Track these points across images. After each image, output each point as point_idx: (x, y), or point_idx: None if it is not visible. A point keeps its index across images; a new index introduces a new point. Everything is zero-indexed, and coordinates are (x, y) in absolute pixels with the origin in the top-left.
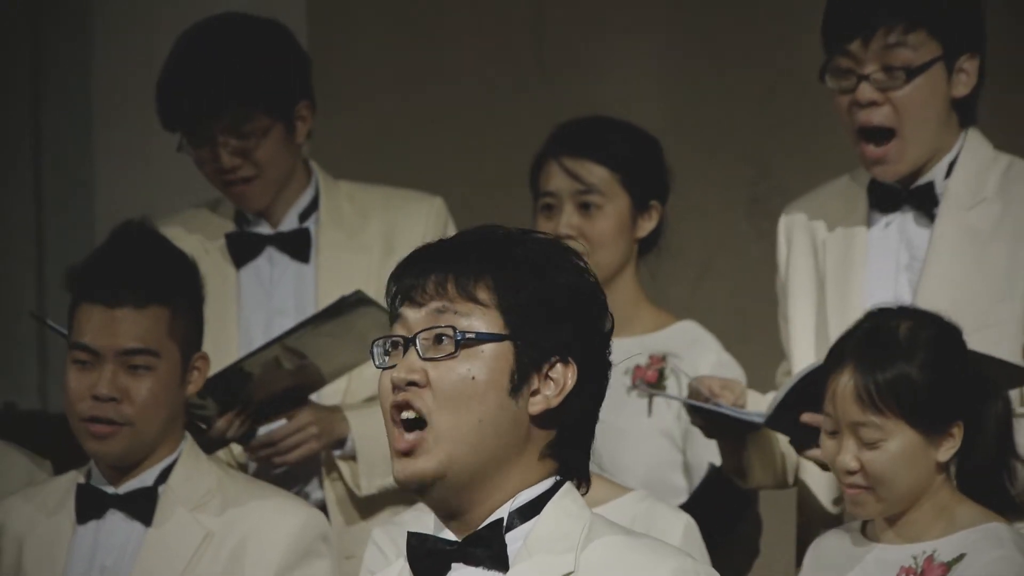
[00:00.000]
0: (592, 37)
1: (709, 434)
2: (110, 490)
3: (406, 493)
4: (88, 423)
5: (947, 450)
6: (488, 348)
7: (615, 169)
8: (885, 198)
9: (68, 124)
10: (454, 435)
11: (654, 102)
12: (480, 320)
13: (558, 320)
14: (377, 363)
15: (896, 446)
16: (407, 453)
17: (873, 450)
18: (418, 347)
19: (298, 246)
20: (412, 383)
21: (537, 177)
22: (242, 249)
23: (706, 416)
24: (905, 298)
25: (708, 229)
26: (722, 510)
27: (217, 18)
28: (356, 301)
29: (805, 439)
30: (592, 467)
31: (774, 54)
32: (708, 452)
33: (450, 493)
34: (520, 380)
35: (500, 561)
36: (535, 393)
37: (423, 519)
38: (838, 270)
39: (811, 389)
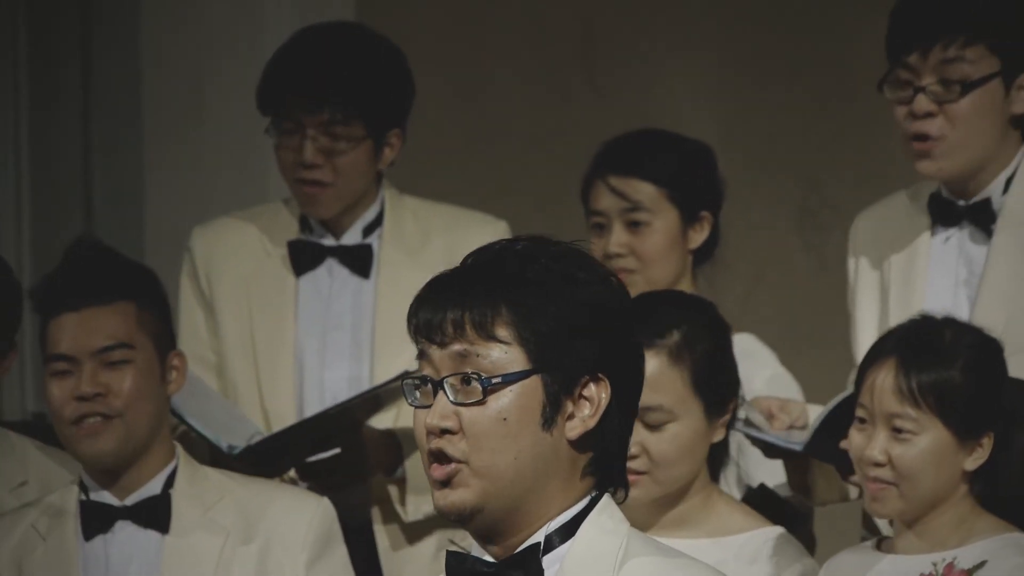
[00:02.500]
0: (641, 53)
1: (770, 455)
2: (115, 502)
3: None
4: (77, 425)
5: (975, 460)
6: (515, 386)
7: (661, 184)
8: (944, 213)
9: (118, 138)
10: (491, 473)
11: (704, 117)
12: (504, 359)
13: (582, 339)
14: (409, 400)
15: (927, 442)
16: (444, 483)
17: (903, 443)
18: (447, 391)
19: (360, 261)
20: (446, 430)
21: (587, 196)
22: (304, 258)
23: (762, 442)
24: (963, 313)
25: (758, 242)
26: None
27: (344, 22)
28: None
29: (849, 465)
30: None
31: (823, 68)
32: (762, 468)
33: (490, 523)
34: (552, 411)
35: None
36: (571, 417)
37: None
38: (900, 283)
39: (850, 415)
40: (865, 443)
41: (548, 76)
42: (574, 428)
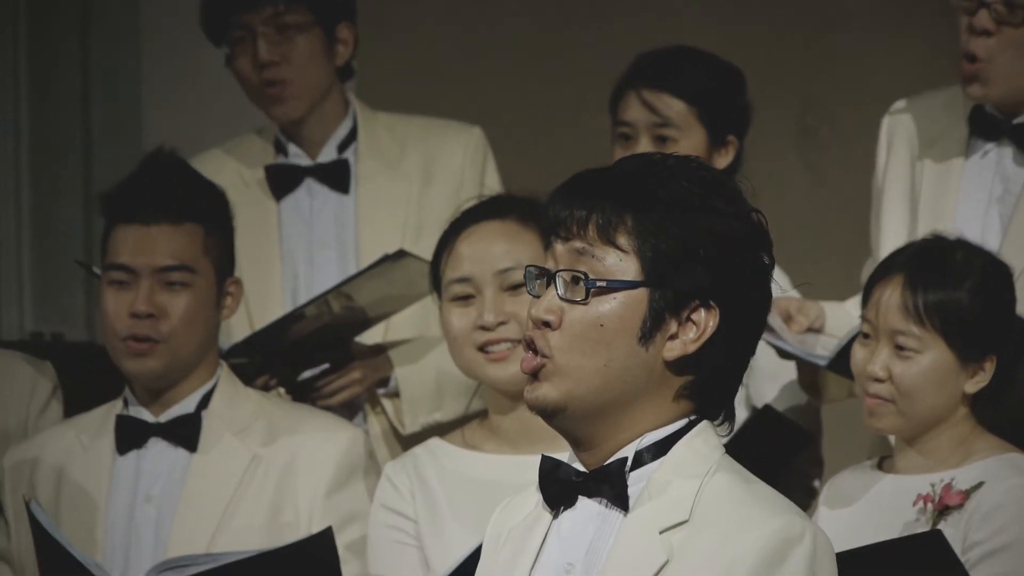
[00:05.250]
0: None
1: (784, 356)
2: (151, 419)
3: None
4: (126, 342)
5: (976, 382)
6: (621, 295)
7: (693, 103)
8: (986, 127)
9: (116, 55)
10: (577, 375)
11: (702, 34)
12: (617, 265)
13: (699, 265)
14: (528, 289)
15: (929, 360)
16: (533, 375)
17: (905, 361)
18: (557, 285)
19: (338, 177)
20: (546, 323)
21: (616, 105)
22: (282, 181)
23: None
24: (993, 230)
25: (756, 160)
26: (775, 447)
27: None
28: (398, 256)
29: None
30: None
31: None
32: (769, 387)
33: (573, 425)
34: (653, 327)
35: (621, 500)
36: (673, 337)
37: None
38: (933, 192)
39: None
40: (868, 358)
41: None
42: (673, 349)
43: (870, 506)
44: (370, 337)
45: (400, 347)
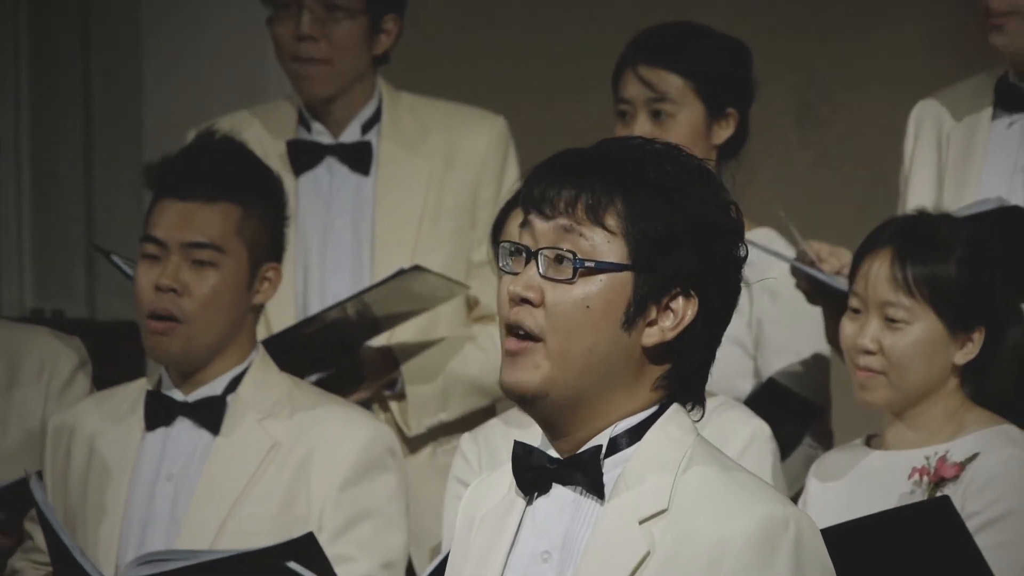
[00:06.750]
0: None
1: (813, 300)
2: (179, 398)
3: (453, 430)
4: (149, 320)
5: (965, 354)
6: (607, 277)
7: (688, 77)
8: (1012, 97)
9: (116, 53)
10: (561, 359)
11: (703, 10)
12: (604, 247)
13: (684, 251)
14: (500, 264)
15: (919, 331)
16: (514, 355)
17: (895, 332)
18: (539, 263)
19: (359, 158)
20: (527, 300)
21: (616, 84)
22: (302, 157)
23: (810, 280)
24: (1018, 198)
25: (756, 137)
26: (784, 420)
27: None
28: (414, 271)
29: None
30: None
31: None
32: (777, 360)
33: (551, 412)
34: (636, 312)
35: (596, 489)
36: (651, 324)
37: (509, 426)
38: (958, 163)
39: None
40: (857, 332)
41: None
42: (652, 336)
43: (862, 482)
44: (376, 339)
45: (406, 349)
